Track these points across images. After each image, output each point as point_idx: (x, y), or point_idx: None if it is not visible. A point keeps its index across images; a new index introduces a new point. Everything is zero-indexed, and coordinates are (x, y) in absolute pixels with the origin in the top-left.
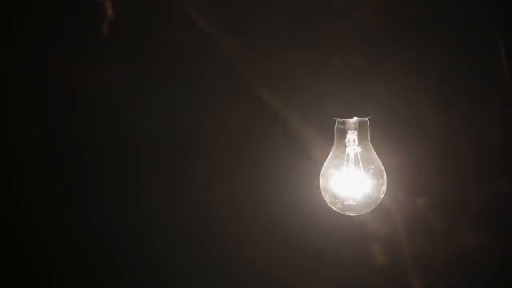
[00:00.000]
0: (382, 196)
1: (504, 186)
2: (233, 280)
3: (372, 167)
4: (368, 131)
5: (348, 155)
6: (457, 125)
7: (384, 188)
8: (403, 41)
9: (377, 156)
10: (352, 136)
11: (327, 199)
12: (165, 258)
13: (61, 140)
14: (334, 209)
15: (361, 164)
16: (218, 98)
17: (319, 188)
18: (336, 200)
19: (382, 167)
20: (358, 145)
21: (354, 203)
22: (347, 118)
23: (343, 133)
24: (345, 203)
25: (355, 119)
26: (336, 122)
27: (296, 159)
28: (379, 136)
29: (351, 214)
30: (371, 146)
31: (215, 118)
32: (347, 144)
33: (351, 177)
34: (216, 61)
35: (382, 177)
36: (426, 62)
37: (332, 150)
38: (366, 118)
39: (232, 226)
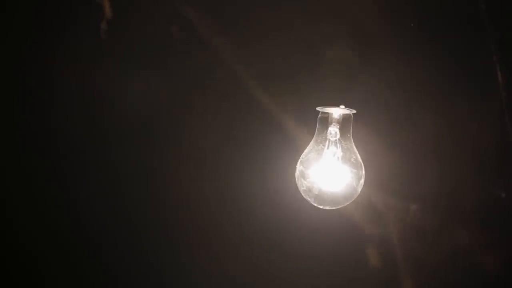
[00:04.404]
0: (360, 189)
1: (499, 188)
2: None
3: (353, 157)
4: (351, 126)
5: (328, 143)
6: (453, 126)
7: (362, 181)
8: (401, 40)
9: (356, 150)
10: (334, 129)
11: (303, 185)
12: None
13: (54, 139)
14: (309, 199)
15: (340, 154)
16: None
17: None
18: (314, 186)
19: (361, 160)
20: (339, 138)
21: (331, 191)
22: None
23: (325, 125)
24: (323, 189)
25: (338, 112)
26: (320, 113)
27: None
28: (374, 136)
29: (327, 208)
30: (352, 140)
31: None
32: (328, 137)
33: (330, 166)
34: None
35: (361, 170)
36: (425, 63)
37: (313, 139)
38: (351, 113)
39: (218, 219)
